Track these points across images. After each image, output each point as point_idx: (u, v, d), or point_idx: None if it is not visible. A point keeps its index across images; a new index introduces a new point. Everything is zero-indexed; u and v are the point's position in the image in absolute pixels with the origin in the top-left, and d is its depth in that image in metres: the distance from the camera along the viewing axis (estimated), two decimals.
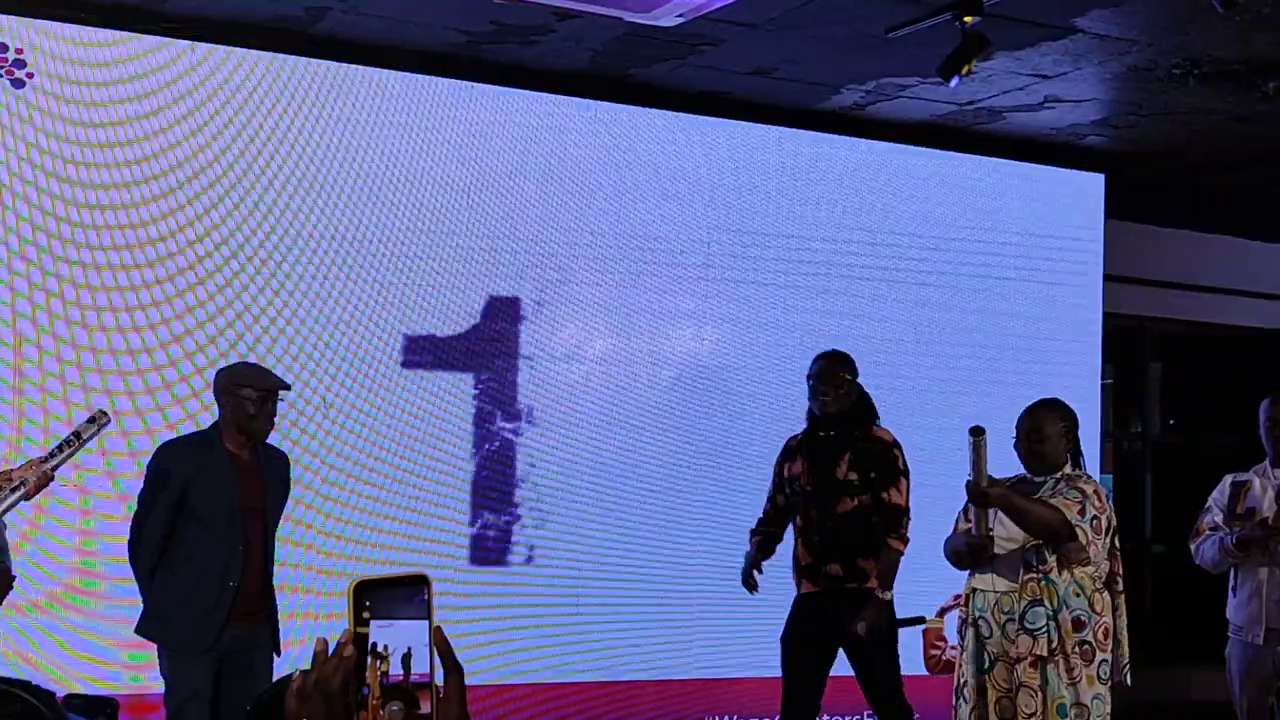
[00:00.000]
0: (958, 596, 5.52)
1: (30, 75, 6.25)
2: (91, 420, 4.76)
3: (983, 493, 5.02)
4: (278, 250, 6.67)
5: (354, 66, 6.83)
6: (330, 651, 1.62)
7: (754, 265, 7.61)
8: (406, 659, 1.63)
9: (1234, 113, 7.69)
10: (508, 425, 7.03)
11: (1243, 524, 5.84)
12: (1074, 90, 7.46)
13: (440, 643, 1.64)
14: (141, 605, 5.26)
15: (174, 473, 5.19)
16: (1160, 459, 9.93)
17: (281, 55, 6.70)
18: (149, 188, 6.47)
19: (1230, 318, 10.04)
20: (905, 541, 5.74)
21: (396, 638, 1.64)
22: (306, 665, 1.64)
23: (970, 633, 5.17)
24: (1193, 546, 6.04)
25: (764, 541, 5.99)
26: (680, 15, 6.20)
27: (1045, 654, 4.99)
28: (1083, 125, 8.10)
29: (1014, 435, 5.32)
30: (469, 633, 6.66)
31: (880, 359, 7.75)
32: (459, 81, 7.03)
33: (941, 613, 7.19)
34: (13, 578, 4.91)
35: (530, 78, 7.19)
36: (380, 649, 1.62)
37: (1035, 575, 5.07)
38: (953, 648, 6.21)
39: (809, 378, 5.92)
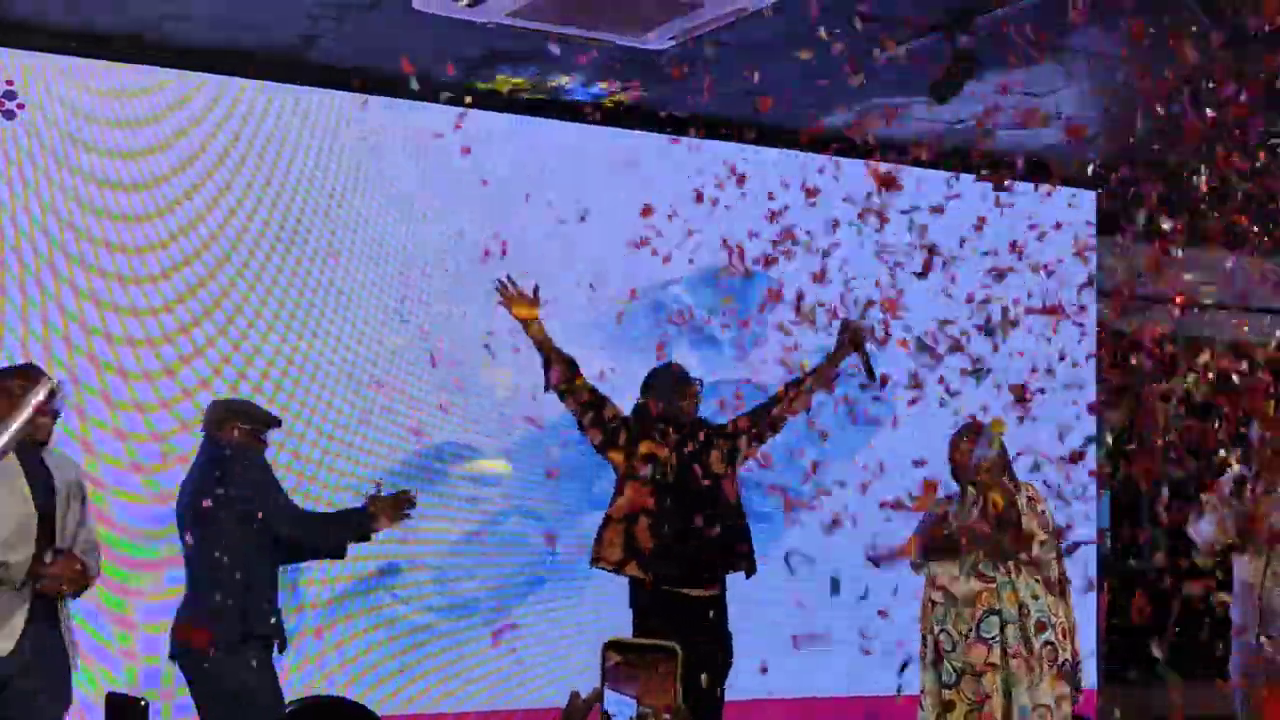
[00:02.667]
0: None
1: (21, 106, 6.26)
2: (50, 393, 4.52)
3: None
4: (276, 278, 6.67)
5: (346, 94, 6.83)
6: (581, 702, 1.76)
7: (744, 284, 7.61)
8: None
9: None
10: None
11: None
12: (1066, 108, 7.46)
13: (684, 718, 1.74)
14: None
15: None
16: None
17: (273, 83, 6.71)
18: (142, 219, 6.47)
19: (1224, 332, 10.03)
20: None
21: (621, 703, 1.66)
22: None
23: (930, 643, 5.20)
24: (1195, 523, 5.98)
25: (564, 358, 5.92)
26: (672, 38, 6.21)
27: (999, 661, 5.02)
28: (1075, 142, 8.09)
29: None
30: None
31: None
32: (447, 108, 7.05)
33: None
34: (93, 577, 5.00)
35: (520, 103, 7.19)
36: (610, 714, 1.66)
37: (989, 585, 5.10)
38: None
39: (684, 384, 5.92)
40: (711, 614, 5.63)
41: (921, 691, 5.26)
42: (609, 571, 5.67)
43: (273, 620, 5.31)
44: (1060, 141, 8.04)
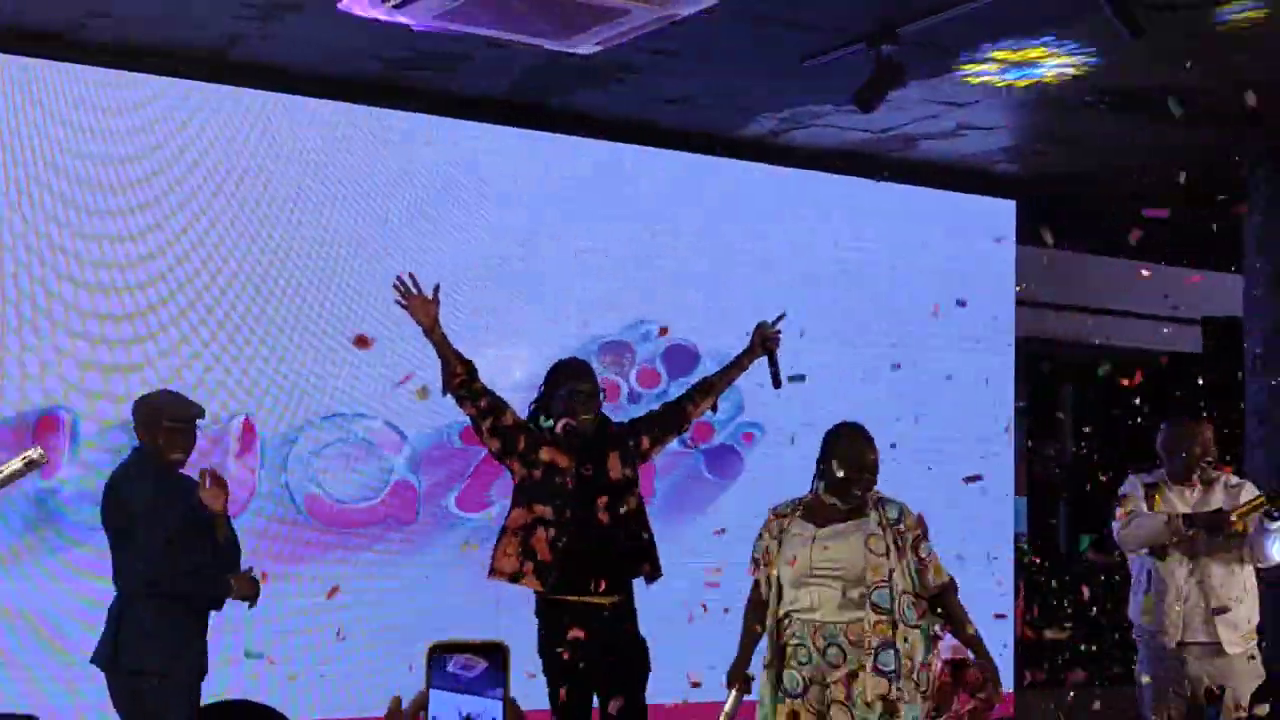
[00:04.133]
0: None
1: None
2: (28, 463, 4.66)
3: None
4: (197, 274, 6.62)
5: (271, 94, 6.80)
6: (403, 708, 1.71)
7: (672, 292, 7.64)
8: None
9: (1143, 139, 7.84)
10: None
11: None
12: (986, 118, 7.57)
13: (516, 715, 1.69)
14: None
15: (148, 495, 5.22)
16: (1073, 480, 10.07)
17: (199, 83, 6.67)
18: (69, 216, 6.41)
19: (1141, 341, 10.22)
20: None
21: (447, 707, 1.67)
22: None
23: (775, 658, 5.23)
24: (1119, 525, 6.05)
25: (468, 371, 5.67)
26: (599, 43, 6.23)
27: (893, 695, 5.10)
28: (994, 152, 8.22)
29: (836, 465, 5.34)
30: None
31: (790, 386, 7.80)
32: (378, 109, 7.03)
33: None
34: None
35: (450, 105, 7.20)
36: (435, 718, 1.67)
37: (887, 619, 5.15)
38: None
39: (574, 390, 5.63)
40: (619, 621, 5.58)
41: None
42: (504, 583, 5.59)
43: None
44: (980, 151, 8.16)
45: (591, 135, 7.50)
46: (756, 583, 5.30)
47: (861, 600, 5.16)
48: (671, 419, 5.78)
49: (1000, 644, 8.18)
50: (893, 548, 5.23)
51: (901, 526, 5.29)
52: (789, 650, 5.19)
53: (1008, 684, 8.00)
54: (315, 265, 6.87)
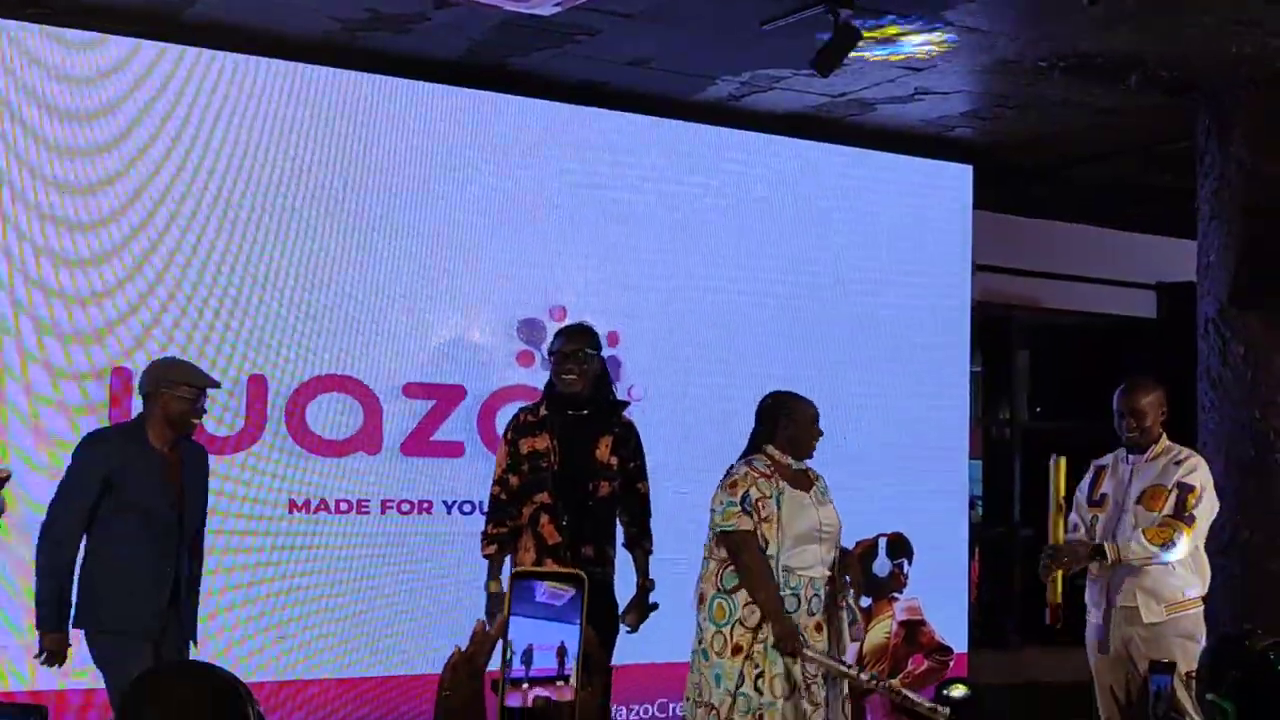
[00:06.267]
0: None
1: None
2: None
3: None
4: (154, 236, 6.57)
5: (226, 54, 6.75)
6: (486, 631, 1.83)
7: (632, 255, 7.64)
8: (528, 655, 1.76)
9: (1098, 105, 7.88)
10: None
11: (1096, 510, 5.97)
12: (943, 83, 7.59)
13: (591, 642, 1.79)
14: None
15: (102, 464, 5.22)
16: (1028, 444, 10.15)
17: (152, 42, 6.60)
18: (25, 178, 6.34)
19: (1095, 306, 10.29)
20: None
21: (528, 633, 1.76)
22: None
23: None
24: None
25: (503, 545, 5.74)
26: (557, 5, 6.22)
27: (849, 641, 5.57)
28: (951, 117, 8.25)
29: (794, 427, 5.52)
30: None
31: (750, 348, 7.85)
32: (334, 70, 6.98)
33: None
34: None
35: (407, 66, 7.17)
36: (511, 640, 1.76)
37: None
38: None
39: (552, 353, 5.83)
40: (605, 584, 5.68)
41: (758, 673, 5.39)
42: None
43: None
44: (938, 116, 8.19)
45: (548, 97, 7.48)
46: (751, 536, 5.33)
47: (830, 558, 5.50)
48: (632, 501, 5.81)
49: (955, 606, 8.29)
50: None
51: (829, 494, 5.62)
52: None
53: (961, 645, 8.08)
54: (268, 232, 6.81)
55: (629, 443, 5.79)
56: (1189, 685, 4.42)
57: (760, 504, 5.34)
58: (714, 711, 5.31)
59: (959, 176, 8.66)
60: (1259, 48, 6.83)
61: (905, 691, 5.63)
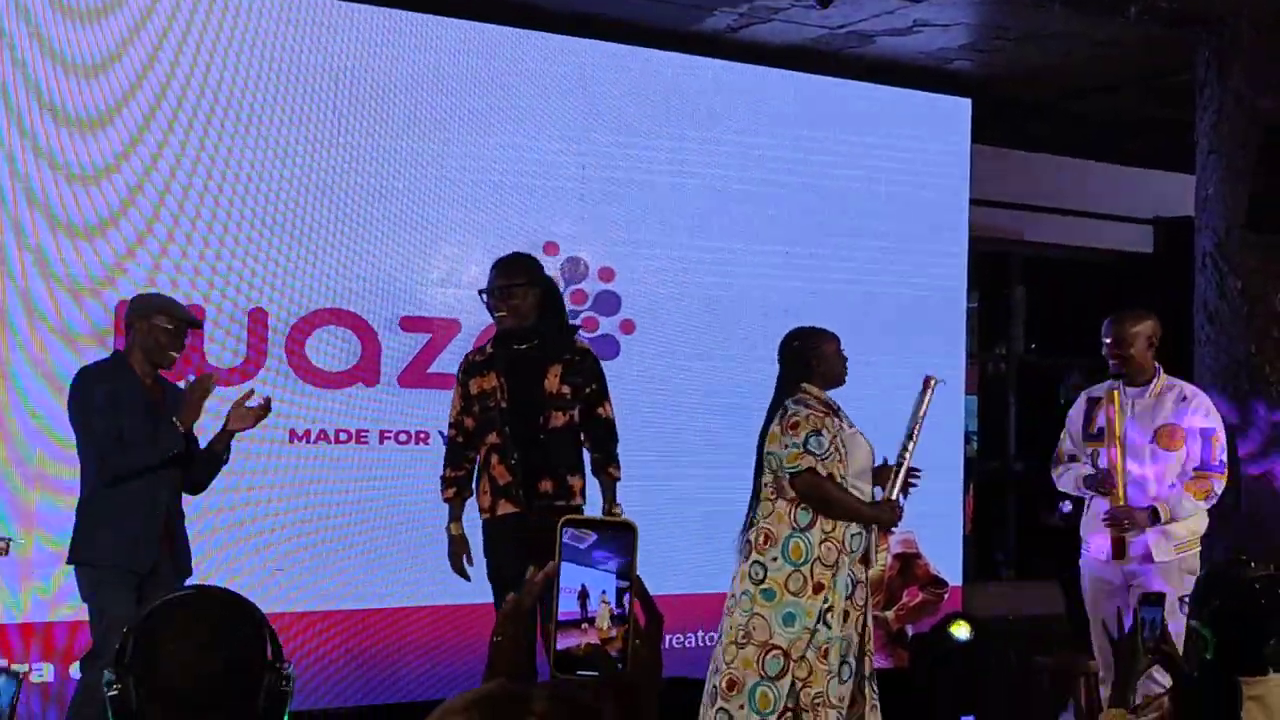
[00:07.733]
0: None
1: None
2: None
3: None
4: (158, 172, 6.53)
5: None
6: (536, 578, 1.83)
7: (632, 189, 7.61)
8: (583, 597, 1.75)
9: (1097, 37, 7.83)
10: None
11: (1095, 444, 6.00)
12: (942, 14, 7.55)
13: (641, 591, 1.77)
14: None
15: (105, 384, 5.19)
16: (1024, 380, 10.16)
17: None
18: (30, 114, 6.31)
19: (1093, 240, 10.27)
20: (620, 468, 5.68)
21: (579, 577, 1.76)
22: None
23: (845, 562, 5.34)
24: (1054, 474, 6.21)
25: (461, 488, 5.62)
26: None
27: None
28: (950, 50, 8.20)
29: (829, 364, 5.54)
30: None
31: (750, 281, 7.83)
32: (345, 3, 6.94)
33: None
34: None
35: None
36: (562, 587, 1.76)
37: None
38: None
39: (483, 291, 5.61)
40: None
41: (825, 607, 5.39)
42: (491, 518, 5.57)
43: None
44: (937, 48, 8.14)
45: (544, 29, 7.42)
46: (818, 473, 5.31)
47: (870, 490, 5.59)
48: (590, 424, 5.64)
49: (950, 539, 8.32)
50: None
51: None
52: (846, 542, 5.36)
53: (956, 578, 8.12)
54: (269, 169, 6.78)
55: (584, 369, 5.56)
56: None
57: (833, 443, 5.34)
58: (777, 652, 5.23)
59: (957, 110, 8.61)
60: None
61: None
